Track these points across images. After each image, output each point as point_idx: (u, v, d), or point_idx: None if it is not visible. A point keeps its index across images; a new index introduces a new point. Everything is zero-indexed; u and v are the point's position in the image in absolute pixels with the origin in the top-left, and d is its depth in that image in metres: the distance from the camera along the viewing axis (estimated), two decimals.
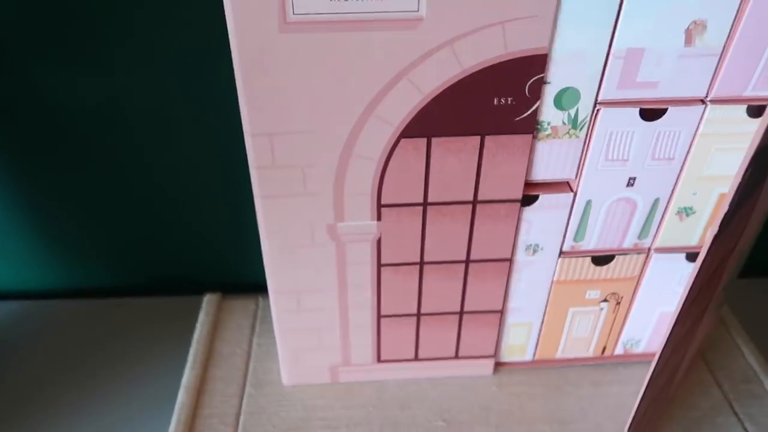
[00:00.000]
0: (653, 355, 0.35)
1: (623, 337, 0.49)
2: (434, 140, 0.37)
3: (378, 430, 0.46)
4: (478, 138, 0.37)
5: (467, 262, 0.42)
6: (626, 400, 0.48)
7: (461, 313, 0.45)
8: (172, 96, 0.50)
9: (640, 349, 0.50)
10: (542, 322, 0.47)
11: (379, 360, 0.48)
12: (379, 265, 0.42)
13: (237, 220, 0.57)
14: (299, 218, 0.39)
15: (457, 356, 0.48)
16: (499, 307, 0.45)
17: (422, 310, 0.45)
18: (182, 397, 0.48)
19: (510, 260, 0.42)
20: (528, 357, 0.49)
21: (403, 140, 0.36)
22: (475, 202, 0.39)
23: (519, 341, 0.48)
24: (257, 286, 0.58)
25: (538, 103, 0.35)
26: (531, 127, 0.36)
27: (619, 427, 0.46)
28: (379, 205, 0.39)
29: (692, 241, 0.43)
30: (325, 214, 0.39)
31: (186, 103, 0.50)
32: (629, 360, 0.50)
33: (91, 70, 0.48)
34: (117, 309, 0.59)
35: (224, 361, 0.51)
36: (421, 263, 0.42)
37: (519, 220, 0.40)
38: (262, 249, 0.41)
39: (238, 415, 0.47)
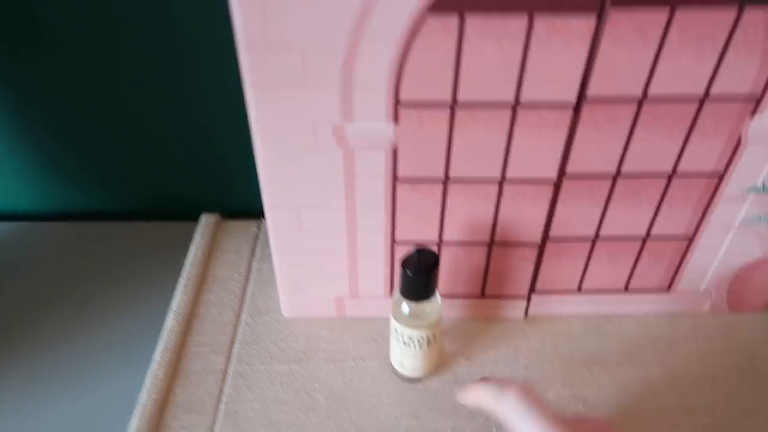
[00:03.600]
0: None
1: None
2: (469, 19, 0.29)
3: (389, 366, 0.40)
4: (525, 18, 0.29)
5: (502, 181, 0.35)
6: (677, 344, 0.41)
7: (491, 244, 0.38)
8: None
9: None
10: None
11: (392, 293, 0.42)
12: (395, 180, 0.35)
13: (236, 138, 0.50)
14: (299, 116, 0.32)
15: (483, 295, 0.42)
16: (538, 239, 0.38)
17: (444, 238, 0.38)
18: (171, 322, 0.43)
19: (556, 183, 0.35)
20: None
21: (429, 18, 0.29)
22: (516, 105, 0.32)
23: None
24: (260, 212, 0.52)
25: None
26: (596, 4, 0.28)
27: (668, 370, 0.40)
28: (397, 104, 0.32)
29: None
30: (331, 112, 0.32)
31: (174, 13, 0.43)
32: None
33: None
34: (113, 232, 0.54)
35: (219, 286, 0.46)
36: (446, 180, 0.35)
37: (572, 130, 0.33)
38: (255, 154, 0.34)
39: (231, 344, 0.42)
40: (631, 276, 0.41)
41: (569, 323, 0.43)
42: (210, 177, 0.54)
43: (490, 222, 0.37)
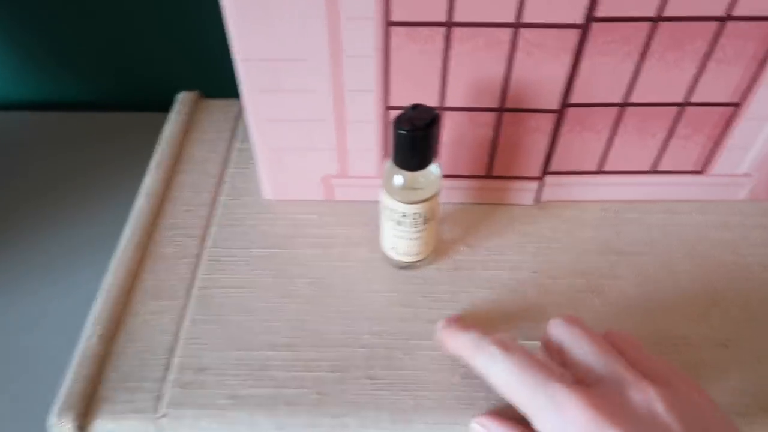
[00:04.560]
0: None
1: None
2: None
3: (382, 253, 0.36)
4: None
5: (517, 25, 0.29)
6: (708, 233, 0.37)
7: (501, 109, 0.33)
8: None
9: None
10: None
11: None
12: (388, 24, 0.29)
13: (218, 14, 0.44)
14: None
15: (489, 174, 0.37)
16: (556, 104, 0.32)
17: (446, 102, 0.33)
18: (141, 203, 0.38)
19: (582, 27, 0.29)
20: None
21: None
22: None
23: None
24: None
25: None
26: None
27: (696, 260, 0.35)
28: None
29: None
30: None
31: None
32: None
33: None
34: (89, 121, 0.50)
35: (196, 167, 0.41)
36: (449, 24, 0.29)
37: None
38: None
39: (207, 227, 0.38)
40: (661, 154, 0.36)
41: (585, 209, 0.38)
42: (191, 61, 0.48)
43: (500, 81, 0.32)
